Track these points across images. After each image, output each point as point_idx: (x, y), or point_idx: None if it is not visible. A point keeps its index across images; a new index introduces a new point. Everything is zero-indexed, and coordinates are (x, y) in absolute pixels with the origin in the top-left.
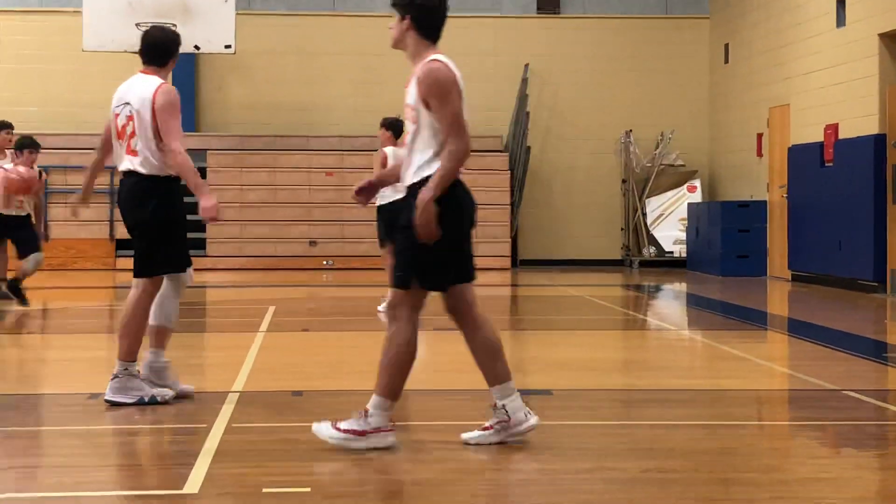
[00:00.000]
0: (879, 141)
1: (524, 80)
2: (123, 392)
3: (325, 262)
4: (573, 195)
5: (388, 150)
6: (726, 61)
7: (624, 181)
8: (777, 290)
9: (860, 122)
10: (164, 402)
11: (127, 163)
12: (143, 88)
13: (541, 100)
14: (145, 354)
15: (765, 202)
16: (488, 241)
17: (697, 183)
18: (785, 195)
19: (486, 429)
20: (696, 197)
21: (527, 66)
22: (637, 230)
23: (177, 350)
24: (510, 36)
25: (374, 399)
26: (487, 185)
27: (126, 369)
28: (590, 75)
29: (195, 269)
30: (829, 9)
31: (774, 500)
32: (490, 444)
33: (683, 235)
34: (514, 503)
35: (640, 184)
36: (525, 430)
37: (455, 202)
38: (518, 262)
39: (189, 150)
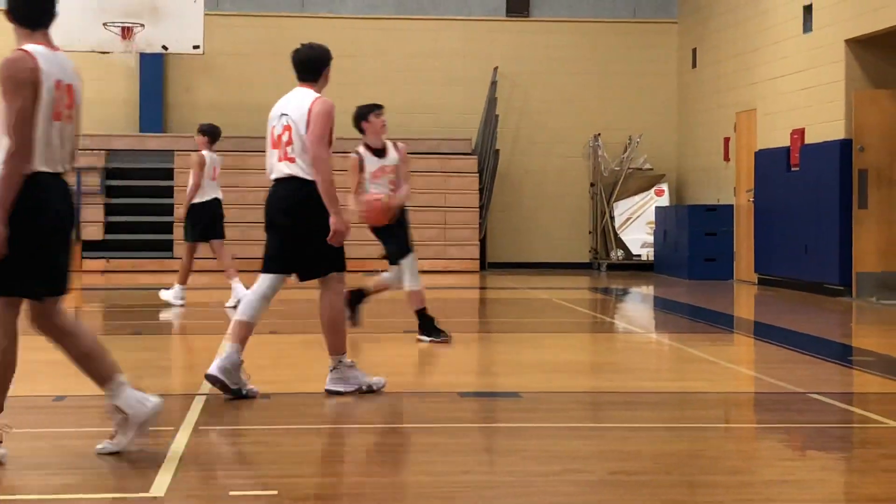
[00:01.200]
0: (845, 146)
1: (493, 83)
2: (343, 382)
3: None
4: (542, 198)
5: (206, 153)
6: (694, 66)
7: (592, 185)
8: (744, 294)
9: (826, 127)
10: (380, 390)
11: (286, 170)
12: (300, 101)
13: (510, 103)
14: (225, 346)
15: (732, 206)
16: (457, 243)
17: (665, 187)
18: (752, 199)
19: (111, 437)
20: (664, 201)
21: (496, 69)
22: (605, 233)
23: (144, 352)
24: (479, 38)
25: None
26: (456, 188)
27: (340, 361)
28: (559, 78)
29: (163, 272)
30: (796, 14)
31: (740, 503)
32: (125, 448)
33: (651, 239)
34: None
35: (609, 187)
36: (150, 413)
37: (31, 206)
38: (486, 265)
39: (156, 151)
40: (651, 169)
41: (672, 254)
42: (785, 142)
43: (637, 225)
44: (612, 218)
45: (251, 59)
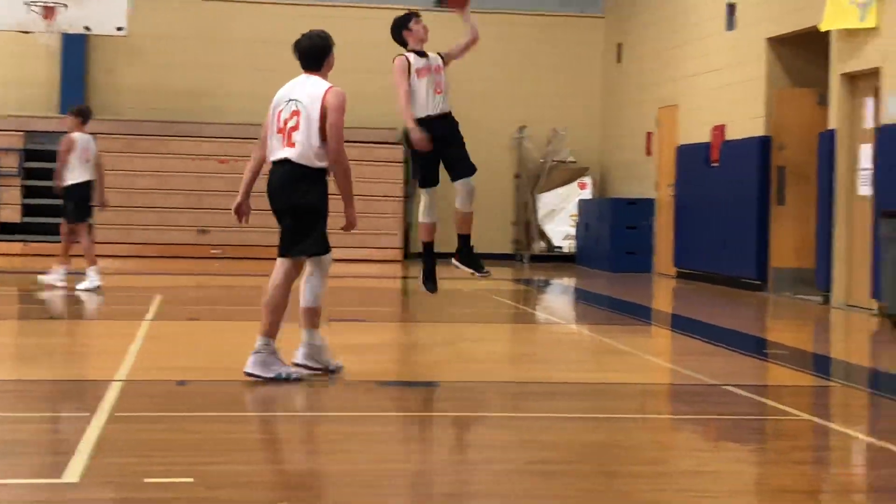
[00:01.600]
0: (765, 143)
1: None
2: (264, 367)
3: (213, 251)
4: None
5: (77, 135)
6: (619, 60)
7: (517, 176)
8: (663, 287)
9: (747, 124)
10: (298, 380)
11: (282, 153)
12: (313, 88)
13: None
14: (302, 335)
15: (653, 200)
16: (380, 232)
17: (588, 180)
18: (672, 194)
19: None
20: (587, 194)
21: None
22: (528, 225)
23: (60, 337)
24: None
25: None
26: (381, 177)
27: (267, 345)
28: (485, 70)
29: (80, 256)
30: (719, 12)
31: (656, 493)
32: None
33: (573, 231)
34: (399, 493)
35: (533, 179)
36: None
37: None
38: (410, 255)
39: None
40: (574, 162)
41: (594, 246)
42: (706, 138)
43: (560, 217)
44: (535, 210)
45: (176, 42)
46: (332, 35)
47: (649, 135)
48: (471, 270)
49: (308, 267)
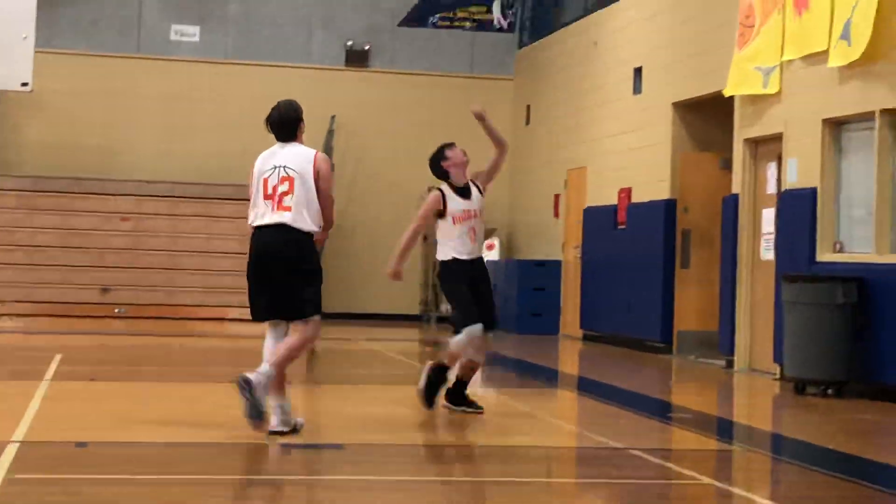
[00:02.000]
0: (670, 206)
1: (331, 132)
2: (286, 423)
3: (116, 310)
4: (376, 249)
5: None
6: (528, 122)
7: (425, 237)
8: (569, 349)
9: (652, 187)
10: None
11: (276, 217)
12: (299, 155)
13: (347, 152)
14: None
15: (560, 262)
16: None
17: (496, 241)
18: (579, 256)
19: None
20: (495, 254)
21: (333, 117)
22: (436, 286)
23: None
24: (319, 87)
25: None
26: None
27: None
28: (396, 129)
29: None
30: (627, 76)
31: None
32: None
33: None
34: None
35: None
36: None
37: None
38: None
39: None
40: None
41: (501, 308)
42: (613, 200)
43: None
44: None
45: (83, 98)
46: (240, 92)
47: (557, 196)
48: (471, 410)
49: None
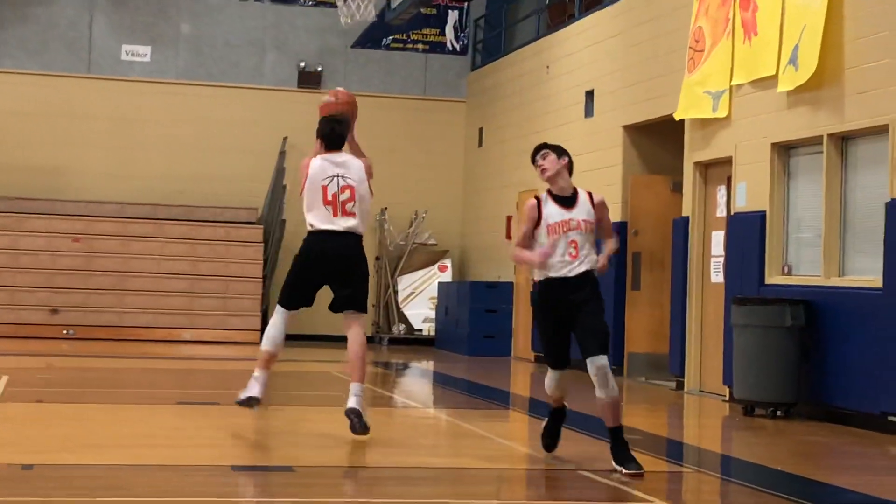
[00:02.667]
0: (621, 228)
1: (282, 153)
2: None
3: (65, 332)
4: None
5: None
6: (480, 145)
7: (378, 258)
8: (520, 371)
9: None
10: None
11: (343, 223)
12: (352, 165)
13: (298, 173)
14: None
15: (512, 283)
16: (239, 314)
17: (449, 262)
18: (531, 278)
19: None
20: (447, 276)
21: (285, 138)
22: (388, 307)
23: None
24: (270, 108)
25: None
26: (239, 258)
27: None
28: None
29: None
30: (578, 99)
31: None
32: None
33: (433, 314)
34: None
35: (393, 261)
36: None
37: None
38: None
39: None
40: (435, 244)
41: (453, 329)
42: None
43: (419, 300)
44: (395, 292)
45: (32, 118)
46: (191, 113)
47: (509, 218)
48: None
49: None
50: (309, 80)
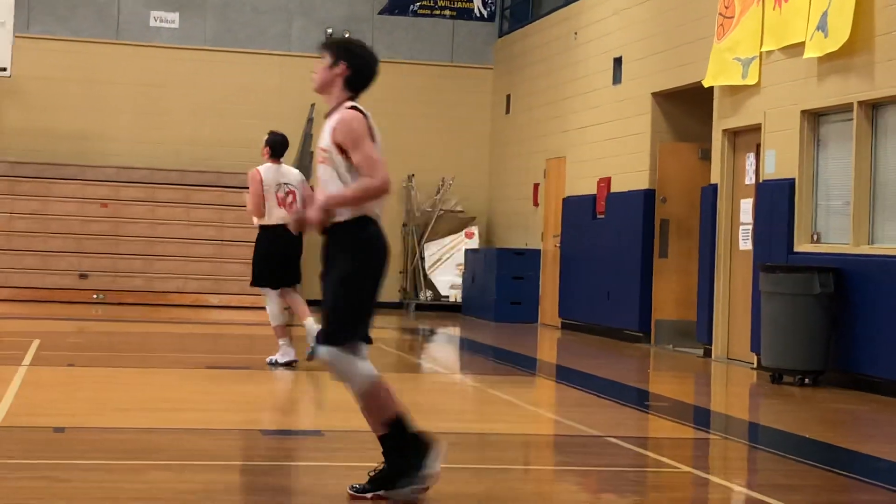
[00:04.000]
0: (649, 196)
1: (310, 120)
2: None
3: (94, 296)
4: None
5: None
6: (507, 112)
7: (404, 225)
8: (547, 338)
9: (632, 177)
10: None
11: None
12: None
13: None
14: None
15: (539, 251)
16: None
17: (475, 229)
18: (558, 245)
19: None
20: (474, 243)
21: (313, 105)
22: (415, 274)
23: None
24: (298, 74)
25: None
26: None
27: None
28: (375, 118)
29: None
30: (606, 66)
31: None
32: None
33: (460, 280)
34: None
35: (420, 228)
36: None
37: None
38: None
39: None
40: (462, 211)
41: (479, 296)
42: (592, 190)
43: (446, 266)
44: (422, 258)
45: (60, 84)
46: (218, 80)
47: (536, 186)
48: None
49: None
50: None
